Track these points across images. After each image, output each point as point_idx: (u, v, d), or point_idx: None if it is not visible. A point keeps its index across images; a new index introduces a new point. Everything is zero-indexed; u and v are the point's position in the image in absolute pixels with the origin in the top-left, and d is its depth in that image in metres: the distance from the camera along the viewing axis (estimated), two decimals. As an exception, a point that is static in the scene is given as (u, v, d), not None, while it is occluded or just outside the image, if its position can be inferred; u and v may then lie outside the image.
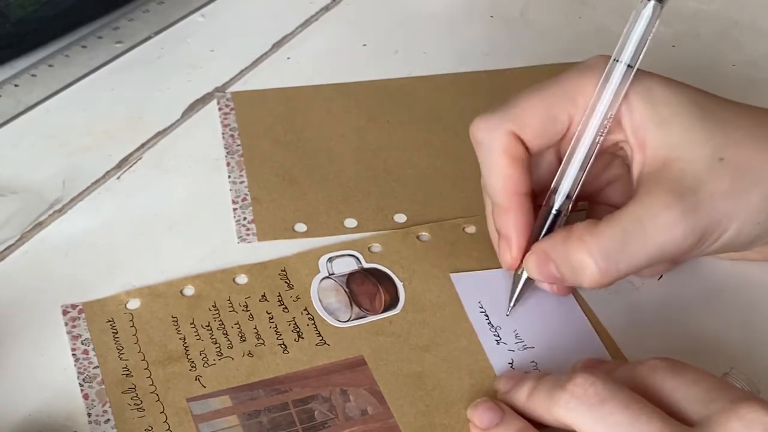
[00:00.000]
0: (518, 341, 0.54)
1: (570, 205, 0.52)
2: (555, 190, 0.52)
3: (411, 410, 0.50)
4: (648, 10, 0.50)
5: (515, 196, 0.52)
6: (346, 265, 0.57)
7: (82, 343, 0.53)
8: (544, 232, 0.52)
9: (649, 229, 0.49)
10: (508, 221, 0.52)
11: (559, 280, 0.51)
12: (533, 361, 0.53)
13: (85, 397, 0.51)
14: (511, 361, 0.53)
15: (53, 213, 0.60)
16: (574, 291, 0.56)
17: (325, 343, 0.53)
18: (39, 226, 0.59)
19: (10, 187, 0.62)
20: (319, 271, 0.57)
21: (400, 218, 0.60)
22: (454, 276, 0.57)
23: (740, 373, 0.49)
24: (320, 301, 0.55)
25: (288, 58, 0.73)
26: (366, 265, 0.57)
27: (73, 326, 0.54)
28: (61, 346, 0.53)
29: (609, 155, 0.54)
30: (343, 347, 0.53)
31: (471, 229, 0.60)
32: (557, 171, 0.53)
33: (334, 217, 0.60)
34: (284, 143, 0.65)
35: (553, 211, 0.52)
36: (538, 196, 0.54)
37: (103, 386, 0.51)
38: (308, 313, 0.55)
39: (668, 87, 0.51)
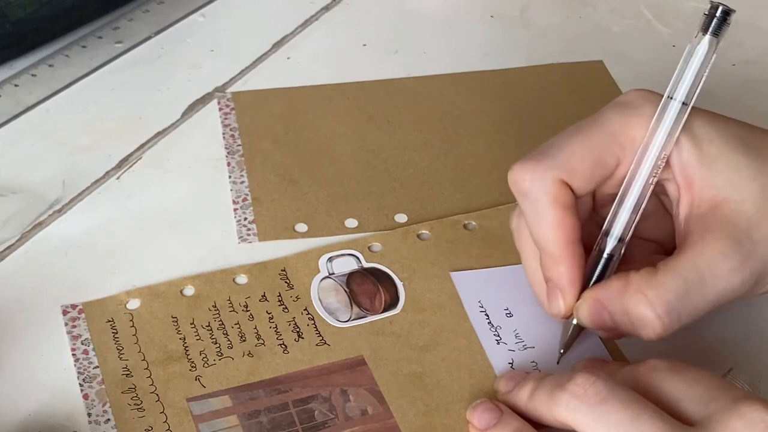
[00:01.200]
0: (518, 341, 0.54)
1: (623, 249, 0.50)
2: (607, 233, 0.50)
3: (411, 410, 0.50)
4: (704, 46, 0.49)
5: (569, 245, 0.49)
6: (346, 265, 0.57)
7: (82, 343, 0.53)
8: (595, 278, 0.50)
9: (709, 279, 0.47)
10: (561, 271, 0.50)
11: (612, 329, 0.49)
12: (533, 361, 0.53)
13: (85, 397, 0.51)
14: (511, 361, 0.53)
15: (53, 213, 0.60)
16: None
17: (325, 343, 0.53)
18: (39, 226, 0.59)
19: (10, 187, 0.62)
20: (319, 271, 0.57)
21: (401, 218, 0.60)
22: (454, 275, 0.57)
23: (740, 373, 0.49)
24: (320, 301, 0.55)
25: (288, 58, 0.73)
26: (366, 265, 0.57)
27: (73, 326, 0.54)
28: (61, 346, 0.53)
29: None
30: (343, 347, 0.53)
31: (472, 225, 0.60)
32: (592, 210, 0.52)
33: (334, 217, 0.60)
34: (285, 143, 0.65)
35: (605, 255, 0.50)
36: None
37: (103, 386, 0.51)
38: (308, 313, 0.55)
39: (710, 122, 0.50)
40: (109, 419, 0.50)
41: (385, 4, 0.78)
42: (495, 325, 0.54)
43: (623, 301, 0.48)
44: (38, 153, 0.64)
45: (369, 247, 0.58)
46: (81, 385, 0.51)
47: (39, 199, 0.61)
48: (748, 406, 0.42)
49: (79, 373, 0.52)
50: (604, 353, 0.53)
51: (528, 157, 0.50)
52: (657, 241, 0.53)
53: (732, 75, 0.72)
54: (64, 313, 0.54)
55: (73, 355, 0.52)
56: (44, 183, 0.62)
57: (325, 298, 0.56)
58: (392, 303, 0.55)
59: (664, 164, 0.49)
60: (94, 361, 0.52)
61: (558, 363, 0.52)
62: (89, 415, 0.50)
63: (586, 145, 0.50)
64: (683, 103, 0.49)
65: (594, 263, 0.51)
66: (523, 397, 0.48)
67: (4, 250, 0.58)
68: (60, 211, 0.60)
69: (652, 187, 0.50)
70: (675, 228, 0.51)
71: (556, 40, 0.75)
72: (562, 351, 0.52)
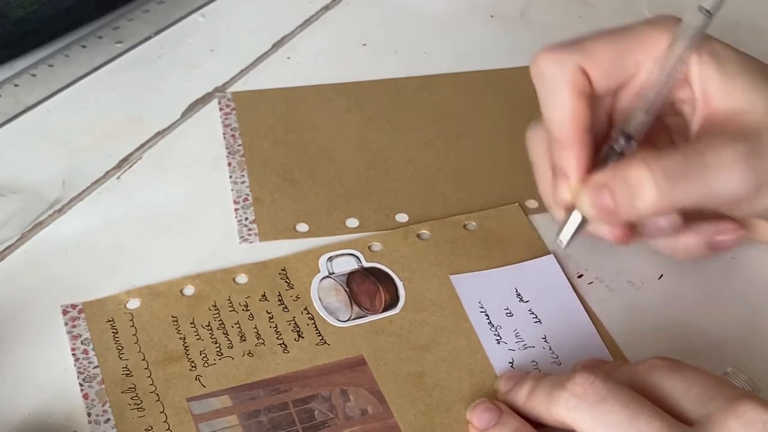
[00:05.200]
0: (519, 341, 0.54)
1: (633, 148, 0.51)
2: (621, 132, 0.51)
3: (411, 410, 0.50)
4: None
5: (579, 131, 0.50)
6: (346, 265, 0.57)
7: (82, 343, 0.53)
8: None
9: (711, 162, 0.48)
10: (570, 156, 0.51)
11: (612, 212, 0.49)
12: (534, 361, 0.53)
13: (85, 397, 0.51)
14: (511, 361, 0.53)
15: (53, 213, 0.60)
16: (578, 293, 0.56)
17: (325, 342, 0.53)
18: (39, 226, 0.59)
19: (10, 187, 0.62)
20: (319, 271, 0.57)
21: (402, 218, 0.60)
22: (453, 278, 0.56)
23: (740, 372, 0.49)
24: (320, 300, 0.55)
25: (288, 58, 0.73)
26: (366, 265, 0.57)
27: (73, 326, 0.54)
28: (61, 346, 0.53)
29: (658, 123, 0.53)
30: (343, 347, 0.53)
31: (472, 225, 0.60)
32: (607, 129, 0.53)
33: (335, 217, 0.60)
34: (285, 143, 0.65)
35: (617, 150, 0.51)
36: None
37: (103, 386, 0.51)
38: (308, 313, 0.55)
39: (729, 48, 0.51)
40: (109, 419, 0.50)
41: (385, 4, 0.78)
42: (495, 325, 0.54)
43: (623, 171, 0.48)
44: (38, 153, 0.64)
45: (369, 247, 0.58)
46: (81, 385, 0.51)
47: (39, 199, 0.61)
48: (745, 405, 0.42)
49: (79, 373, 0.52)
50: (605, 353, 0.53)
51: (552, 44, 0.51)
52: None
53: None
54: (64, 313, 0.54)
55: (73, 355, 0.52)
56: (44, 183, 0.62)
57: (325, 297, 0.56)
58: (392, 303, 0.55)
59: (683, 70, 0.50)
60: (94, 361, 0.52)
61: (563, 248, 0.52)
62: (89, 414, 0.50)
63: (611, 41, 0.51)
64: (708, 14, 0.50)
65: (604, 160, 0.51)
66: (522, 396, 0.48)
67: (4, 250, 0.58)
68: (60, 211, 0.60)
69: (667, 90, 0.51)
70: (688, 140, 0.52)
71: (556, 40, 0.75)
72: (561, 241, 0.52)
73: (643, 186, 0.48)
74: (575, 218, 0.52)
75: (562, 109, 0.51)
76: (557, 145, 0.51)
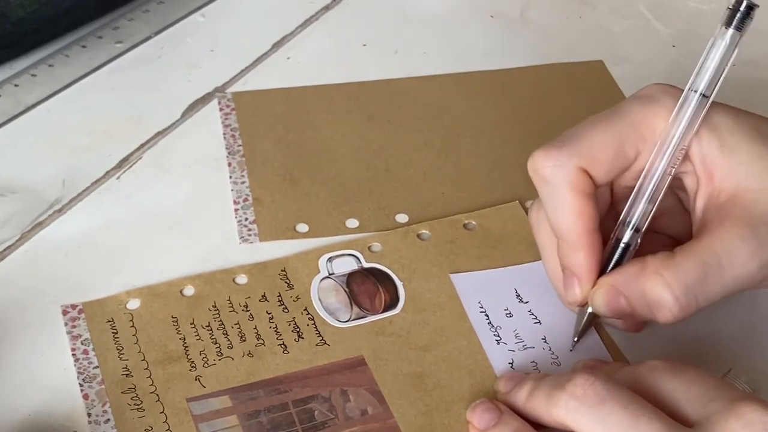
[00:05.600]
0: (518, 341, 0.54)
1: (639, 239, 0.50)
2: (624, 223, 0.51)
3: (411, 410, 0.50)
4: (726, 39, 0.49)
5: (588, 234, 0.50)
6: (346, 265, 0.57)
7: (82, 343, 0.53)
8: (611, 267, 0.50)
9: (726, 264, 0.48)
10: (579, 259, 0.50)
11: (628, 315, 0.50)
12: (533, 361, 0.53)
13: (85, 397, 0.51)
14: (511, 361, 0.53)
15: (53, 213, 0.60)
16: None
17: (325, 343, 0.53)
18: (39, 226, 0.59)
19: (10, 187, 0.62)
20: (319, 271, 0.57)
21: (402, 218, 0.60)
22: (453, 277, 0.57)
23: (740, 374, 0.49)
24: (320, 301, 0.55)
25: (288, 58, 0.73)
26: (366, 265, 0.57)
27: (73, 326, 0.54)
28: (61, 346, 0.53)
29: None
30: (343, 347, 0.53)
31: (472, 224, 0.60)
32: (610, 205, 0.52)
33: (335, 217, 0.60)
34: (285, 143, 0.65)
35: (622, 245, 0.50)
36: None
37: (103, 386, 0.51)
38: (308, 313, 0.55)
39: (729, 114, 0.50)
40: (109, 419, 0.50)
41: (385, 4, 0.78)
42: (495, 325, 0.54)
43: (640, 284, 0.48)
44: (38, 153, 0.64)
45: (369, 247, 0.58)
46: (81, 385, 0.51)
47: (39, 199, 0.61)
48: (746, 406, 0.42)
49: (79, 373, 0.52)
50: (605, 354, 0.53)
51: (549, 144, 0.50)
52: (673, 237, 0.53)
53: (732, 75, 0.72)
54: (64, 313, 0.54)
55: (73, 355, 0.52)
56: (44, 183, 0.62)
57: (325, 298, 0.56)
58: (392, 303, 0.55)
59: (683, 155, 0.49)
60: (94, 361, 0.52)
61: (571, 350, 0.53)
62: (89, 415, 0.50)
63: (607, 134, 0.50)
64: (704, 96, 0.49)
65: (610, 252, 0.51)
66: (521, 397, 0.48)
67: (4, 250, 0.58)
68: (60, 211, 0.60)
69: (670, 177, 0.50)
70: (692, 220, 0.51)
71: (556, 40, 0.75)
72: (576, 339, 0.53)
73: (664, 303, 0.48)
74: (587, 313, 0.52)
75: (567, 213, 0.50)
76: (565, 245, 0.50)
